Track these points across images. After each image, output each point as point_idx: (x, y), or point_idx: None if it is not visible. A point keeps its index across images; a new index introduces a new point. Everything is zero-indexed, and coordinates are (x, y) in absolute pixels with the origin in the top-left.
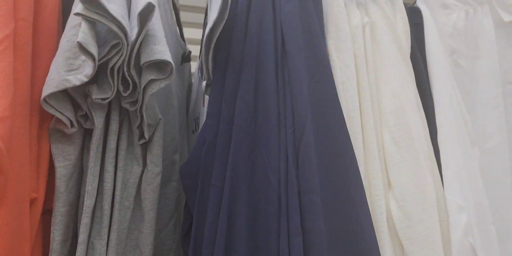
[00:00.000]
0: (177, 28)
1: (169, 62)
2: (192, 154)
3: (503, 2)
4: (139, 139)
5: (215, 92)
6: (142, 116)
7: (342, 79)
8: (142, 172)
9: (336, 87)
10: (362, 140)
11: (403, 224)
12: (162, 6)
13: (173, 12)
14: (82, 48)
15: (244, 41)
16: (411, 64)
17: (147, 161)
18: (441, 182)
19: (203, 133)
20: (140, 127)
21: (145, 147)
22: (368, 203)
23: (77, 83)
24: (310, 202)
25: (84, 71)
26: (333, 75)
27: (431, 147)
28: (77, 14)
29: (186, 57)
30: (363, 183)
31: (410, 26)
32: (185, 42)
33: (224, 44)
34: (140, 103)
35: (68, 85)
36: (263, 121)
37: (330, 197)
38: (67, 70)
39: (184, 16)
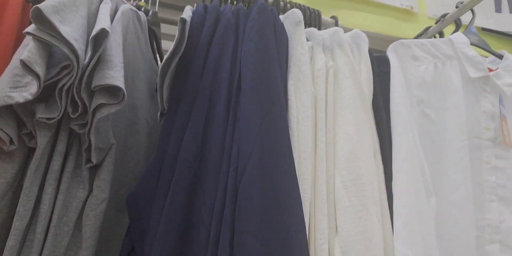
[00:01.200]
0: (155, 56)
1: (120, 88)
2: (137, 185)
3: (471, 59)
4: (86, 163)
5: (167, 123)
6: (90, 140)
7: (298, 119)
8: (87, 197)
9: (291, 127)
10: (313, 182)
11: None
12: (134, 34)
13: (148, 40)
14: (25, 67)
15: (201, 75)
16: (371, 110)
17: (94, 186)
18: (391, 230)
19: (150, 165)
20: (88, 150)
21: (94, 171)
22: (311, 247)
23: (21, 100)
24: (243, 243)
25: (30, 89)
26: (290, 114)
27: (385, 194)
28: (27, 33)
29: None
30: (309, 225)
31: (378, 74)
32: None
33: (181, 75)
34: (89, 126)
35: (10, 101)
36: (208, 156)
37: (269, 238)
38: (12, 86)
39: (167, 45)
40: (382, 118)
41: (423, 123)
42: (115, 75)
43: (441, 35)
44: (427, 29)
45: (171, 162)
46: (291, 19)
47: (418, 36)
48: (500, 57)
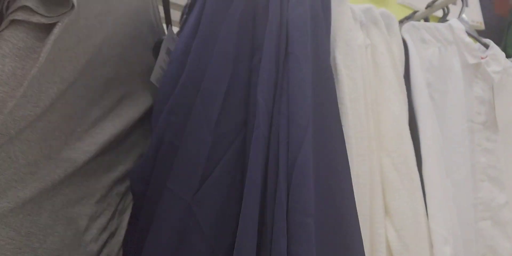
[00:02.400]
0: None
1: None
2: (146, 155)
3: (467, 46)
4: None
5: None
6: None
7: (350, 97)
8: None
9: (344, 104)
10: (370, 164)
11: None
12: None
13: None
14: None
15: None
16: (405, 90)
17: None
18: (426, 212)
19: (160, 130)
20: None
21: None
22: (369, 231)
23: None
24: (301, 224)
25: None
26: (342, 91)
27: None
28: None
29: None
30: (366, 209)
31: None
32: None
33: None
34: None
35: None
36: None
37: (325, 222)
38: None
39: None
40: (410, 101)
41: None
42: None
43: (427, 20)
44: (414, 13)
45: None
46: None
47: (406, 19)
48: (486, 46)
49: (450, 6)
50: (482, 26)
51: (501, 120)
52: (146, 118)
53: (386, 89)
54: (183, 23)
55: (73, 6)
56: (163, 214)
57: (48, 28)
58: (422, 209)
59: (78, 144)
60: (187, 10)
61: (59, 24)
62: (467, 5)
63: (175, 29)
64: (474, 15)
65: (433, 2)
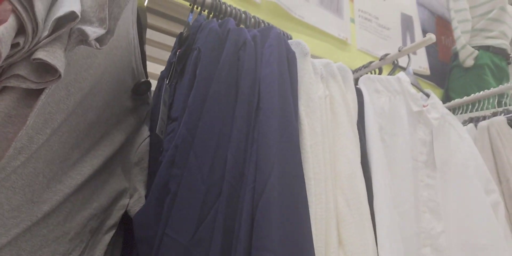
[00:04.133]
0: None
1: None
2: (148, 203)
3: (412, 96)
4: None
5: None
6: None
7: (311, 143)
8: None
9: (305, 150)
10: (326, 201)
11: None
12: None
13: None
14: None
15: (225, 92)
16: (358, 135)
17: None
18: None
19: (163, 181)
20: None
21: None
22: None
23: None
24: None
25: None
26: (303, 138)
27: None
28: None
29: (140, 85)
30: (322, 241)
31: None
32: (146, 75)
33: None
34: None
35: None
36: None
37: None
38: None
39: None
40: (363, 143)
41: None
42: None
43: (380, 70)
44: (370, 63)
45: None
46: (300, 50)
47: (363, 67)
48: (427, 95)
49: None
50: (427, 71)
51: (439, 159)
52: (116, 154)
53: (341, 135)
54: (177, 74)
55: (60, 75)
56: None
57: (35, 91)
58: (371, 239)
59: (59, 186)
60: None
61: (46, 90)
62: (415, 54)
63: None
64: (421, 61)
65: (385, 56)
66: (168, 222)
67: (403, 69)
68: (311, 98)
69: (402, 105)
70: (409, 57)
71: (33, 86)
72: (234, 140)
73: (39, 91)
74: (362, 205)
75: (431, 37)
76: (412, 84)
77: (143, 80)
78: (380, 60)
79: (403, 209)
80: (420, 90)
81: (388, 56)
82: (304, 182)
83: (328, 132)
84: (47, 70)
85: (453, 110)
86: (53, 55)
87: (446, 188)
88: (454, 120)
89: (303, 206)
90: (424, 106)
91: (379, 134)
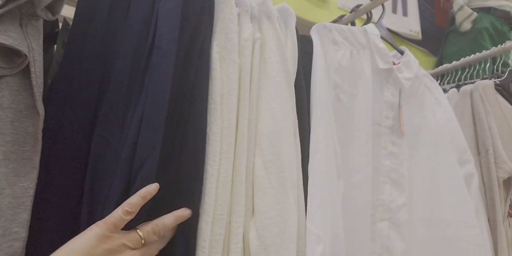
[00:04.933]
0: None
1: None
2: None
3: (380, 51)
4: None
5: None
6: None
7: (222, 92)
8: None
9: (214, 100)
10: (238, 162)
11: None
12: None
13: None
14: None
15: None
16: (293, 89)
17: None
18: (305, 212)
19: None
20: None
21: None
22: (226, 231)
23: None
24: None
25: None
26: (213, 85)
27: (301, 175)
28: None
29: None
30: (224, 209)
31: (300, 54)
32: None
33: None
34: None
35: None
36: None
37: None
38: None
39: None
40: (303, 98)
41: (336, 107)
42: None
43: (353, 24)
44: (341, 17)
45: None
46: None
47: (333, 22)
48: (401, 52)
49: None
50: (419, 36)
51: (408, 125)
52: None
53: (268, 85)
54: None
55: (26, 56)
56: None
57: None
58: (293, 210)
59: None
60: None
61: (32, 75)
62: (405, 15)
63: None
64: (413, 24)
65: (357, 7)
66: None
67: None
68: (229, 38)
69: (367, 61)
70: (383, 7)
71: (6, 72)
72: (115, 86)
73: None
74: (285, 169)
75: None
76: (383, 38)
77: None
78: (351, 12)
79: (357, 179)
80: (394, 46)
81: (361, 7)
82: (204, 139)
83: (253, 81)
84: (15, 53)
85: (441, 77)
86: (5, 34)
87: (414, 157)
88: (432, 83)
89: (197, 168)
90: (394, 64)
91: (333, 92)
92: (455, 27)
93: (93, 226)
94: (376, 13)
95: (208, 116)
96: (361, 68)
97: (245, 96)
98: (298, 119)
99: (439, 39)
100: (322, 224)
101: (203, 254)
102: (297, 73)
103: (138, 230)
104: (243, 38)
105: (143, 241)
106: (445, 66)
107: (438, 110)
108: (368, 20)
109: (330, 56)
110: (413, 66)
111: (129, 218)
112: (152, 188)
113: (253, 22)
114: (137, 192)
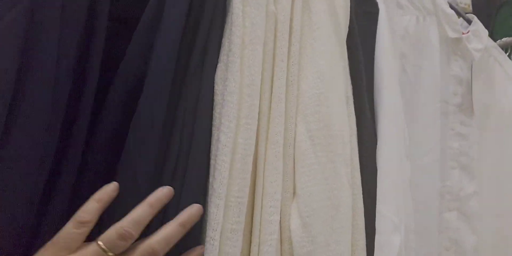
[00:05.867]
0: None
1: None
2: None
3: (449, 18)
4: None
5: None
6: None
7: (244, 40)
8: None
9: (231, 50)
10: (265, 130)
11: (304, 249)
12: None
13: None
14: None
15: None
16: (345, 47)
17: None
18: (361, 195)
19: None
20: None
21: None
22: (255, 220)
23: None
24: None
25: None
26: (232, 33)
27: (357, 151)
28: None
29: None
30: (245, 190)
31: (360, 14)
32: None
33: None
34: None
35: None
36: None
37: None
38: None
39: None
40: (359, 60)
41: (401, 80)
42: None
43: None
44: None
45: None
46: None
47: None
48: (469, 21)
49: None
50: (469, 8)
51: (478, 103)
52: None
53: (313, 38)
54: None
55: None
56: None
57: None
58: (345, 191)
59: None
60: None
61: None
62: None
63: None
64: None
65: None
66: None
67: None
68: None
69: (434, 29)
70: None
71: None
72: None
73: None
74: (336, 141)
75: None
76: (450, 4)
77: None
78: None
79: (425, 162)
80: (460, 14)
81: None
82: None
83: (293, 33)
84: None
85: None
86: None
87: (483, 140)
88: (502, 55)
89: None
90: (463, 34)
91: (400, 62)
92: (508, 0)
93: (41, 250)
94: None
95: (224, 72)
96: (428, 37)
97: (282, 51)
98: (352, 83)
99: (488, 12)
100: (396, 209)
101: (212, 248)
102: (351, 29)
103: (98, 241)
104: None
105: (110, 254)
106: (506, 40)
107: (509, 87)
108: None
109: (395, 21)
110: (483, 36)
111: (84, 230)
112: (110, 189)
113: None
114: (92, 196)
